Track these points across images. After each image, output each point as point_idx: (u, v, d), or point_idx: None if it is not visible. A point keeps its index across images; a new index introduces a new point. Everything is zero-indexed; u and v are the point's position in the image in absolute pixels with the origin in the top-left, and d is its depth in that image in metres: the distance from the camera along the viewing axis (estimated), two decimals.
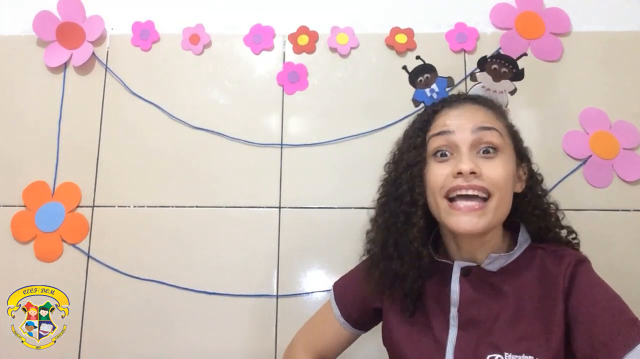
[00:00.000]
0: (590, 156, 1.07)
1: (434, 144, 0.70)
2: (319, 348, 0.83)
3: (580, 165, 1.07)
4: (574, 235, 0.77)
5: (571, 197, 1.05)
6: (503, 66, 0.77)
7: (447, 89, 0.92)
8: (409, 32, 1.14)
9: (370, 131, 1.11)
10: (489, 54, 1.11)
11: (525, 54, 0.75)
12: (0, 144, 1.14)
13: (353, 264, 0.87)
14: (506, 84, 0.78)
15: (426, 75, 0.91)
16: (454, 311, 0.70)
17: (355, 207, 1.05)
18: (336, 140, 1.11)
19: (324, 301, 1.02)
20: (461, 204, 0.66)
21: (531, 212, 0.74)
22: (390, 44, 1.14)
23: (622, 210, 1.06)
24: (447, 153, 0.69)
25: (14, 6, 1.21)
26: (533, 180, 0.76)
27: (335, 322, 0.83)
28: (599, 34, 1.14)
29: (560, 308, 0.63)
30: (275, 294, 1.06)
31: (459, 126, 0.69)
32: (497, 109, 0.75)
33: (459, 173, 0.65)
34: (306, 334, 0.87)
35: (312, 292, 1.05)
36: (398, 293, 0.74)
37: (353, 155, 1.10)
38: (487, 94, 0.80)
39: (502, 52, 1.11)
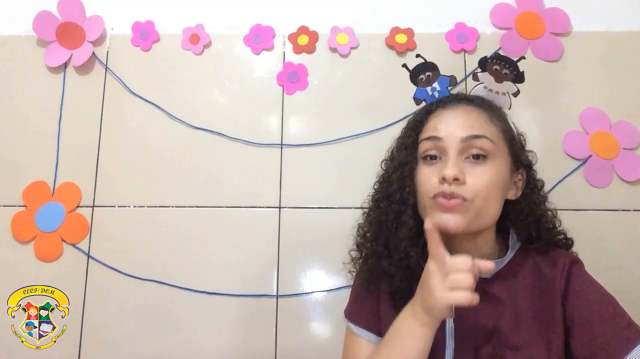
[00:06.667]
0: (590, 156, 1.07)
1: (423, 147, 0.71)
2: None
3: (580, 165, 1.07)
4: (562, 236, 0.76)
5: (571, 197, 1.05)
6: (504, 68, 0.76)
7: (450, 88, 0.91)
8: (409, 32, 1.14)
9: (370, 131, 1.11)
10: (489, 54, 1.12)
11: (524, 57, 0.75)
12: (0, 144, 1.14)
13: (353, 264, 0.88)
14: (509, 86, 0.78)
15: (427, 73, 0.91)
16: (449, 323, 0.69)
17: (355, 207, 1.05)
18: (336, 140, 1.11)
19: (323, 301, 1.04)
20: (443, 200, 0.65)
21: (523, 220, 0.73)
22: (390, 44, 1.14)
23: (622, 210, 1.06)
24: (436, 156, 0.69)
25: (14, 6, 1.20)
26: (530, 187, 0.74)
27: (360, 340, 0.77)
28: (599, 34, 1.13)
29: (558, 311, 0.63)
30: (275, 294, 1.06)
31: (449, 133, 0.68)
32: (494, 112, 0.73)
33: (443, 179, 0.65)
34: None
35: (312, 292, 1.05)
36: (388, 291, 0.73)
37: (353, 155, 1.10)
38: (489, 95, 0.81)
39: (502, 52, 1.11)
